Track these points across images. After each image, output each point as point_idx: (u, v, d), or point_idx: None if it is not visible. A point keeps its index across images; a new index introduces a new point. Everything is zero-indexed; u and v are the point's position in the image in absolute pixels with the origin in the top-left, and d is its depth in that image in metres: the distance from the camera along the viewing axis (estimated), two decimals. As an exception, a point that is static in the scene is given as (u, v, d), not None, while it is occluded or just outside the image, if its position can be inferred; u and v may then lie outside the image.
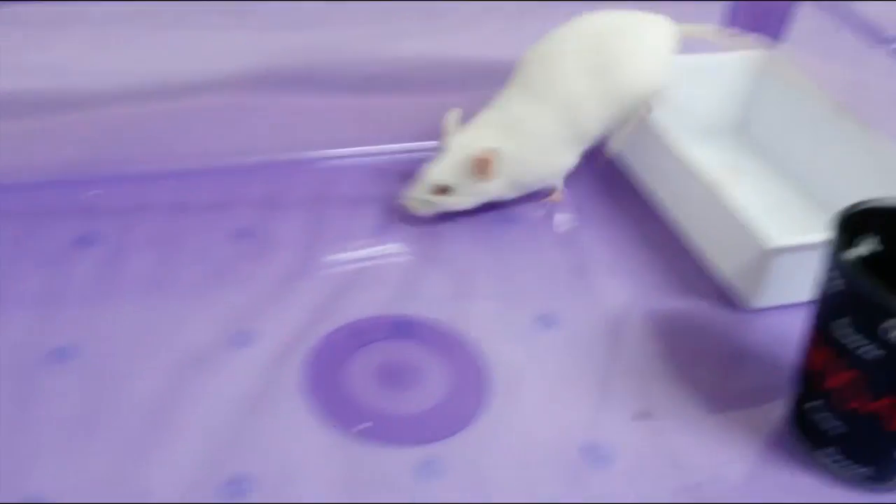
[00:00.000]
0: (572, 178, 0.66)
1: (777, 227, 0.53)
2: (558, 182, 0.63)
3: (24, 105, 0.65)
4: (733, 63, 0.71)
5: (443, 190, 0.59)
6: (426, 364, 0.51)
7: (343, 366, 0.50)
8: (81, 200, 0.58)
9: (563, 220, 0.64)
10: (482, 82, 0.63)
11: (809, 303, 0.47)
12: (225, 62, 0.67)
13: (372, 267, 0.57)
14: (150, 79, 0.67)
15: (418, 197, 0.60)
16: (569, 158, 0.62)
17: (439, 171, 0.59)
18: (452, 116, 0.61)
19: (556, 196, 0.64)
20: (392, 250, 0.59)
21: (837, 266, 0.43)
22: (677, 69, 0.69)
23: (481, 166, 0.58)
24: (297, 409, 0.47)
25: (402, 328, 0.53)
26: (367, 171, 0.66)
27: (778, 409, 0.50)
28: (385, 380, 0.50)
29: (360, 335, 0.52)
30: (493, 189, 0.60)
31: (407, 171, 0.63)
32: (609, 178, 0.68)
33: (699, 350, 0.53)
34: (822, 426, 0.46)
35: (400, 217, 0.61)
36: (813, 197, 0.66)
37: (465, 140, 0.59)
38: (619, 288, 0.58)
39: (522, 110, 0.60)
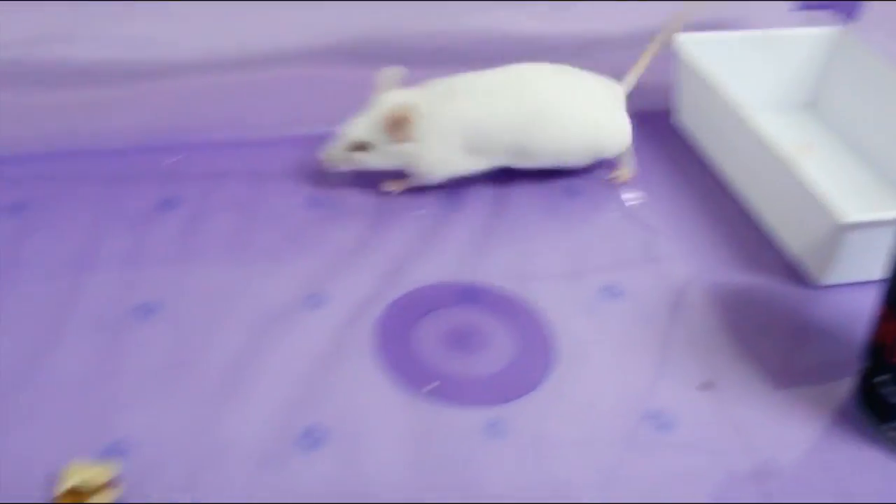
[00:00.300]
0: (639, 151, 0.66)
1: (848, 203, 0.53)
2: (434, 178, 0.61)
3: (110, 74, 0.68)
4: (806, 38, 0.70)
5: (360, 147, 0.59)
6: (492, 330, 0.52)
7: (412, 329, 0.51)
8: (164, 166, 0.61)
9: (629, 192, 0.64)
10: (552, 56, 0.64)
11: (881, 280, 0.46)
12: (303, 34, 0.69)
13: (439, 236, 0.59)
14: (231, 50, 0.69)
15: (336, 153, 0.59)
16: (459, 163, 0.61)
17: (357, 126, 0.58)
18: (388, 73, 0.60)
19: (623, 173, 0.64)
20: (459, 220, 0.60)
21: (912, 240, 0.43)
22: (744, 45, 0.68)
23: (396, 123, 0.57)
24: (369, 369, 0.49)
25: (469, 295, 0.54)
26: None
27: (845, 386, 0.50)
28: (452, 344, 0.51)
29: (428, 301, 0.53)
30: (410, 151, 0.59)
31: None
32: (676, 152, 0.68)
33: (766, 325, 0.53)
34: (891, 400, 0.45)
35: (467, 186, 0.62)
36: (884, 174, 0.65)
37: (391, 98, 0.58)
38: (684, 261, 0.58)
39: (443, 99, 0.59)
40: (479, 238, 0.59)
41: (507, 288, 0.55)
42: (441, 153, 0.59)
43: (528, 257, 0.57)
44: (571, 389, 0.48)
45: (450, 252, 0.57)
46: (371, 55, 0.68)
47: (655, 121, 0.70)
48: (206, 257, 0.56)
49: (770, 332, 0.53)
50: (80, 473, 0.40)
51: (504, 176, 0.64)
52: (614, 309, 0.54)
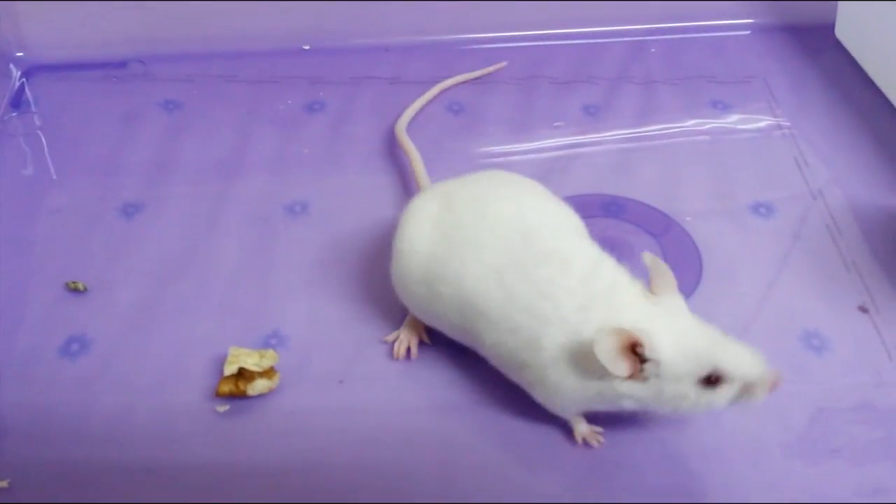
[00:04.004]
0: (796, 66, 0.63)
1: None
2: None
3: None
4: None
5: None
6: (637, 243, 0.51)
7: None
8: (308, 70, 0.61)
9: (783, 110, 0.61)
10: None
11: None
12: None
13: (583, 150, 0.58)
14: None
15: None
16: None
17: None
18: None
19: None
20: (603, 133, 0.59)
21: None
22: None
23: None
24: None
25: (614, 207, 0.53)
26: (580, 53, 0.65)
27: None
28: (597, 254, 0.50)
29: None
30: None
31: (607, 57, 0.64)
32: (836, 68, 0.64)
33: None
34: None
35: (609, 99, 0.61)
36: None
37: None
38: (840, 182, 0.55)
39: None
40: (624, 152, 0.57)
41: (652, 202, 0.53)
42: None
43: (674, 173, 0.56)
44: (722, 307, 0.47)
45: (593, 166, 0.56)
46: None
47: (814, 35, 0.66)
48: (349, 161, 0.56)
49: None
50: (246, 358, 0.42)
51: (648, 85, 0.62)
52: (766, 227, 0.52)
